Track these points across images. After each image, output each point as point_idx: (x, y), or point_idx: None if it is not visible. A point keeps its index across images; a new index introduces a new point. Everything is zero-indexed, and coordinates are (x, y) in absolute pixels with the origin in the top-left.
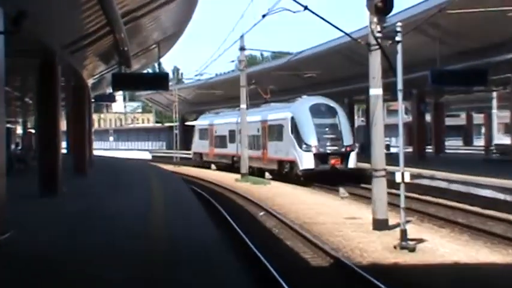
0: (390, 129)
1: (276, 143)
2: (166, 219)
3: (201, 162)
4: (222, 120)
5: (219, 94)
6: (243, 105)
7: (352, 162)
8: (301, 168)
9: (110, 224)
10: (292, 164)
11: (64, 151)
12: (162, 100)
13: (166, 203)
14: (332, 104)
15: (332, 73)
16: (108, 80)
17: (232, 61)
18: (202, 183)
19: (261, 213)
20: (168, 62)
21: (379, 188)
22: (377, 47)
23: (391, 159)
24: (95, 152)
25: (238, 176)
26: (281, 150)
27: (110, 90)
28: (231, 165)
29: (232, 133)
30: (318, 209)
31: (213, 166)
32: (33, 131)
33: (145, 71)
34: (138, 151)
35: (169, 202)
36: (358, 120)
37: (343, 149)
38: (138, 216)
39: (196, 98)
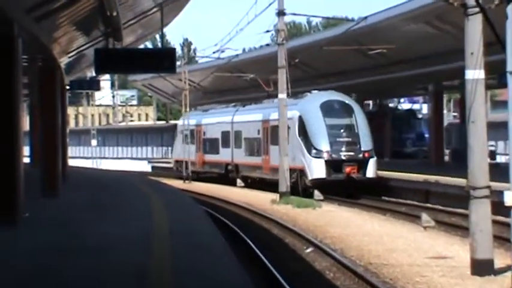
0: (496, 129)
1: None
2: (175, 262)
3: (186, 172)
4: (213, 119)
5: (247, 78)
6: (282, 95)
7: (371, 170)
8: (310, 177)
9: (88, 264)
10: (300, 172)
11: (26, 160)
12: (166, 87)
13: (175, 239)
14: (347, 100)
15: (409, 48)
16: (89, 58)
17: (267, 31)
18: (226, 207)
19: (308, 249)
20: (174, 33)
21: (481, 214)
22: (477, 9)
23: (498, 171)
24: (71, 162)
25: (275, 195)
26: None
27: (92, 73)
28: (224, 176)
29: (226, 135)
30: (389, 244)
31: (239, 182)
32: None
33: (142, 46)
34: (133, 160)
35: (178, 236)
36: (449, 116)
37: (361, 155)
38: (131, 252)
39: (216, 84)
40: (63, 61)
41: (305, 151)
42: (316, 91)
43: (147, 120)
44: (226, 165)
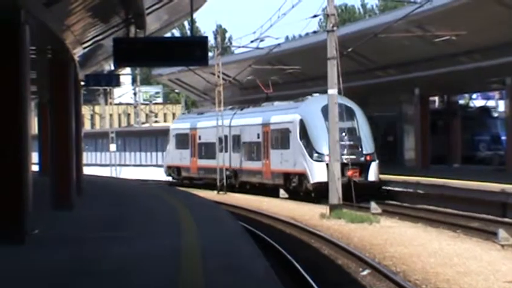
0: None
1: (281, 151)
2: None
3: (179, 179)
4: (208, 123)
5: (292, 71)
6: (332, 90)
7: (373, 174)
8: (312, 181)
9: None
10: (302, 176)
11: (35, 168)
12: (196, 83)
13: (207, 262)
14: (349, 103)
15: (482, 35)
16: (107, 49)
17: (315, 16)
18: (268, 223)
19: (365, 272)
20: (206, 19)
21: None
22: None
23: None
24: (86, 170)
25: (324, 209)
26: (287, 160)
27: (110, 66)
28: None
29: (235, 140)
30: (460, 265)
31: (282, 193)
32: None
33: (168, 35)
34: (158, 168)
35: (212, 258)
36: None
37: (363, 158)
38: (155, 278)
39: (254, 79)
40: (77, 53)
41: (306, 155)
42: (317, 94)
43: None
44: (224, 171)
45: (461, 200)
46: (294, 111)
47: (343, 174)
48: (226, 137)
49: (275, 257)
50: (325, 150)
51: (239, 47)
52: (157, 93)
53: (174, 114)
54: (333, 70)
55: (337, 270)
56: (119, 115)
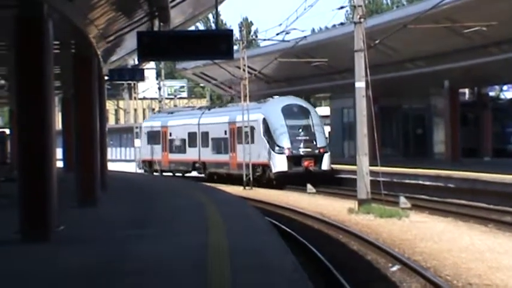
0: None
1: (247, 146)
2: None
3: (150, 171)
4: (179, 121)
5: (319, 64)
6: (360, 83)
7: (325, 164)
8: (274, 171)
9: None
10: (265, 167)
11: (59, 165)
12: (221, 76)
13: (235, 259)
14: (305, 104)
15: None
16: (131, 43)
17: (341, 8)
18: (295, 218)
19: (394, 268)
20: (231, 12)
21: None
22: None
23: None
24: (111, 166)
25: (352, 204)
26: (252, 153)
27: (134, 61)
28: (189, 172)
29: (192, 136)
30: (493, 261)
31: (309, 188)
32: (7, 131)
33: (192, 28)
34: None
35: (240, 254)
36: None
37: (317, 151)
38: (182, 276)
39: (281, 72)
40: (101, 47)
41: (269, 148)
42: (277, 96)
43: None
44: (194, 163)
45: (493, 193)
46: (257, 111)
47: (300, 164)
48: (195, 133)
49: (303, 253)
50: (284, 144)
51: (265, 39)
52: (182, 87)
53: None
54: (360, 62)
55: (366, 266)
56: (144, 110)
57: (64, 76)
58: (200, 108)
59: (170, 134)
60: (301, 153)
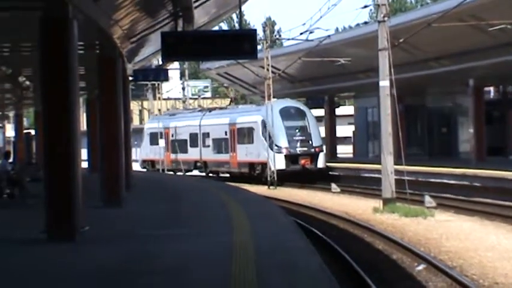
0: None
1: (247, 145)
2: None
3: (153, 170)
4: (181, 123)
5: (343, 64)
6: (384, 82)
7: (321, 162)
8: (273, 169)
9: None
10: (264, 165)
11: (84, 165)
12: (245, 76)
13: (261, 258)
14: (301, 106)
15: None
16: (155, 44)
17: (365, 6)
18: (320, 217)
19: (420, 267)
20: (255, 12)
21: None
22: None
23: None
24: (135, 166)
25: (377, 203)
26: (252, 152)
27: (158, 61)
28: (191, 171)
29: (194, 136)
30: None
31: (334, 187)
32: (32, 132)
33: (216, 28)
34: None
35: (265, 254)
36: None
37: (313, 150)
38: (208, 275)
39: (304, 72)
40: (125, 48)
41: (268, 148)
42: (275, 99)
43: None
44: (195, 163)
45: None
46: (257, 113)
47: (297, 162)
48: (196, 134)
49: (328, 252)
50: (282, 143)
51: (288, 39)
52: (205, 87)
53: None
54: (384, 61)
55: (391, 265)
56: (168, 110)
57: (89, 77)
58: (201, 110)
59: (172, 135)
60: (298, 152)
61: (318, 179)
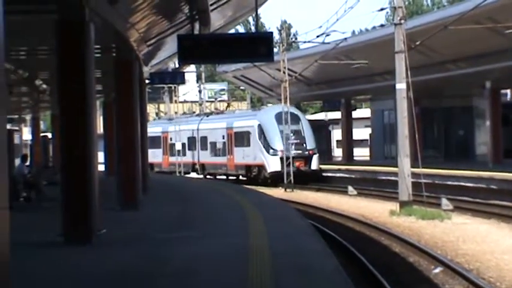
0: None
1: (244, 148)
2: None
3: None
4: (178, 127)
5: (359, 67)
6: (401, 85)
7: (314, 164)
8: (269, 171)
9: None
10: (260, 167)
11: (101, 168)
12: (261, 79)
13: (277, 260)
14: (296, 111)
15: None
16: (171, 47)
17: (382, 9)
18: (337, 220)
19: (437, 270)
20: (271, 15)
21: None
22: None
23: None
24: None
25: (393, 206)
26: (249, 155)
27: (174, 64)
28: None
29: (191, 140)
30: None
31: (351, 190)
32: (49, 135)
33: (232, 31)
34: None
35: (281, 256)
36: None
37: (307, 153)
38: (224, 278)
39: (321, 75)
40: (142, 51)
41: (264, 151)
42: (270, 104)
43: None
44: (193, 165)
45: None
46: (253, 118)
47: (292, 164)
48: (194, 138)
49: (345, 255)
50: (278, 146)
51: (305, 42)
52: (222, 90)
53: None
54: (400, 64)
55: (408, 268)
56: (184, 113)
57: (105, 80)
58: (198, 115)
59: (171, 139)
60: (293, 154)
61: (312, 180)
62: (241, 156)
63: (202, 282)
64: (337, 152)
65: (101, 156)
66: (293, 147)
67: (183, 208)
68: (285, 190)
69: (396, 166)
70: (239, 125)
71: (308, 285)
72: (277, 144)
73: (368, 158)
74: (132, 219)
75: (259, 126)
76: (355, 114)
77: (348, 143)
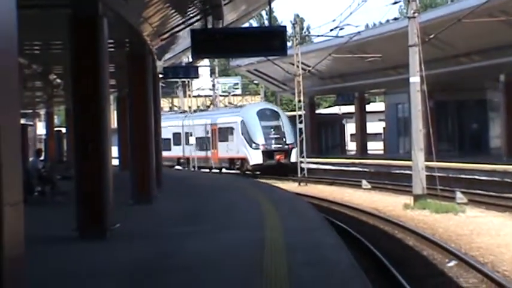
0: None
1: (227, 143)
2: (293, 284)
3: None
4: (164, 123)
5: (373, 60)
6: (415, 78)
7: (293, 157)
8: (251, 163)
9: (189, 285)
10: (243, 160)
11: (115, 163)
12: (275, 73)
13: (291, 255)
14: (276, 108)
15: None
16: (185, 41)
17: (395, 2)
18: (350, 214)
19: (451, 263)
20: (284, 9)
21: None
22: None
23: None
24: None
25: (407, 199)
26: (232, 149)
27: (188, 58)
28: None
29: (177, 135)
30: None
31: (364, 183)
32: (63, 130)
33: (245, 25)
34: None
35: (296, 250)
36: None
37: (286, 146)
38: (239, 272)
39: (335, 69)
40: (155, 45)
41: (247, 145)
42: (253, 102)
43: None
44: (178, 159)
45: None
46: (236, 115)
47: (273, 157)
48: (179, 133)
49: (359, 248)
50: (260, 141)
51: (318, 35)
52: (236, 84)
53: None
54: (414, 57)
55: (422, 261)
56: (198, 107)
57: (119, 74)
58: (183, 112)
59: None
60: (274, 148)
61: (291, 172)
62: (225, 150)
63: (215, 276)
64: (351, 146)
65: (114, 151)
66: (273, 141)
67: (197, 202)
68: (299, 184)
69: (410, 160)
70: (223, 121)
71: (322, 279)
72: (259, 138)
73: (382, 152)
74: (146, 214)
75: (242, 122)
76: (369, 108)
77: (362, 136)
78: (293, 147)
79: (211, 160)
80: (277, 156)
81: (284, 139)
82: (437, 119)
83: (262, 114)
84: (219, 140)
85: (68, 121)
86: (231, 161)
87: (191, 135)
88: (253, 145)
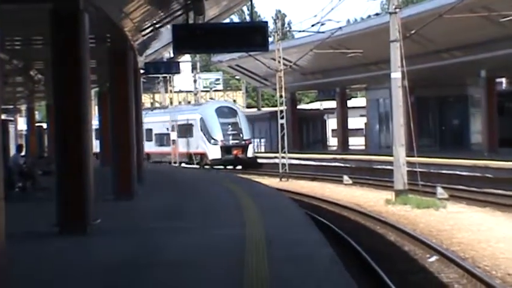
0: None
1: (187, 139)
2: (273, 279)
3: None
4: None
5: (354, 56)
6: (396, 74)
7: (250, 152)
8: (210, 158)
9: (167, 283)
10: (202, 155)
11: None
12: (256, 69)
13: (272, 251)
14: (233, 106)
15: None
16: (166, 36)
17: None
18: (332, 209)
19: (432, 258)
20: (265, 4)
21: None
22: None
23: None
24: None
25: (389, 195)
26: (191, 145)
27: (169, 54)
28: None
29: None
30: None
31: (346, 179)
32: (44, 125)
33: (227, 21)
34: None
35: (277, 246)
36: None
37: (243, 142)
38: (218, 269)
39: (316, 64)
40: (136, 41)
41: (206, 141)
42: (211, 100)
43: None
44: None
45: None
46: (195, 112)
47: (231, 152)
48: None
49: (340, 244)
50: (218, 137)
51: (299, 31)
52: (217, 80)
53: (234, 101)
54: (396, 53)
55: (404, 256)
56: (179, 103)
57: (100, 70)
58: (144, 109)
59: None
60: (231, 144)
61: (248, 166)
62: (185, 145)
63: (196, 272)
64: (333, 141)
65: (95, 146)
66: (231, 137)
67: (178, 198)
68: (280, 179)
69: (391, 155)
70: (183, 118)
71: (304, 274)
72: (218, 135)
73: (363, 147)
74: (127, 210)
75: (202, 119)
76: (350, 103)
77: (343, 132)
78: (250, 143)
79: (171, 155)
80: (235, 152)
81: (241, 135)
82: (418, 114)
83: (220, 112)
84: (178, 136)
85: (49, 116)
86: (190, 156)
87: (151, 132)
88: (212, 141)
